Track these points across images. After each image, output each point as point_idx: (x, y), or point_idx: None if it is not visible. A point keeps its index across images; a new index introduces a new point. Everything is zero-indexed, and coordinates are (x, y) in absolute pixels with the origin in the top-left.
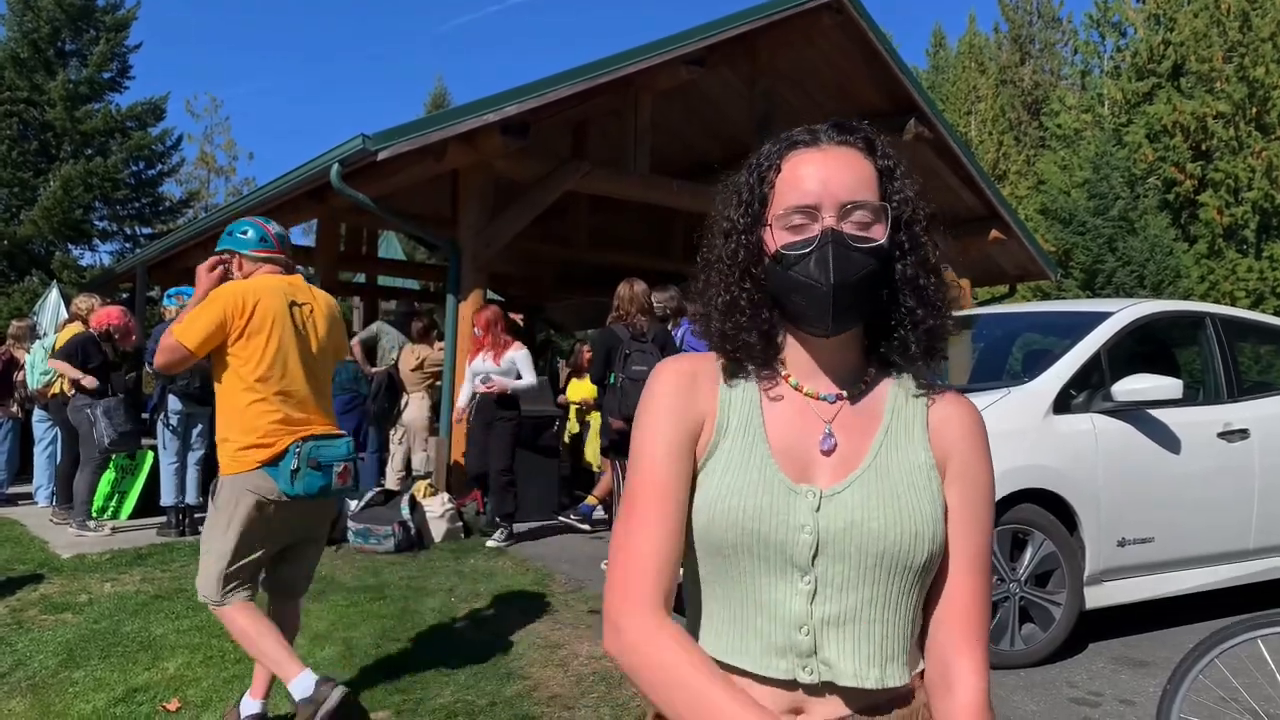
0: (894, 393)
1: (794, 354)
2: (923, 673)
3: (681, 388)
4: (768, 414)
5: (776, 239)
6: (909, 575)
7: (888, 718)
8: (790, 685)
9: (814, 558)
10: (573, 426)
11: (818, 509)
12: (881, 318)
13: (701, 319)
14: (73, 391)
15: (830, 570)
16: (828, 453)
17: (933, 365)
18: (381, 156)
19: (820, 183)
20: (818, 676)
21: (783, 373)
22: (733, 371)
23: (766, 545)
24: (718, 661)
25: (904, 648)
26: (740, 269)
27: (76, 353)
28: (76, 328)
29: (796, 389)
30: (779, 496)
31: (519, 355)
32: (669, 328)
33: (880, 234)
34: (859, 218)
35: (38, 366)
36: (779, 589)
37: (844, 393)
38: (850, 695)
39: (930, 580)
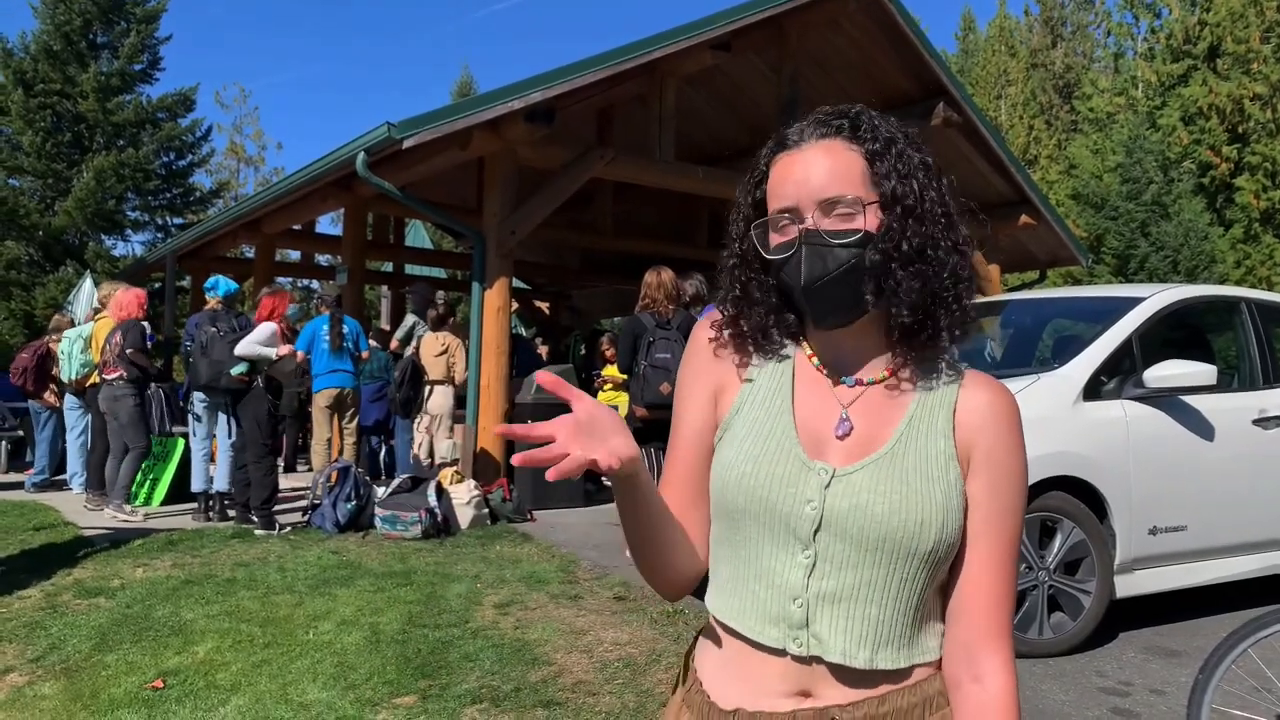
0: (922, 378)
1: (816, 338)
2: (939, 662)
3: (713, 347)
4: (799, 389)
5: (770, 242)
6: (913, 562)
7: (895, 703)
8: (781, 654)
9: (816, 533)
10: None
11: (827, 486)
12: (895, 300)
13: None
14: (114, 376)
15: (831, 547)
16: (842, 437)
17: (956, 344)
18: (407, 144)
19: (796, 185)
20: (806, 649)
21: (808, 354)
22: (770, 342)
23: (773, 514)
24: (719, 622)
25: (903, 633)
26: (751, 270)
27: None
28: (107, 316)
29: (819, 369)
30: (792, 468)
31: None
32: (692, 314)
33: (865, 223)
34: (841, 211)
35: (76, 357)
36: (779, 558)
37: (865, 378)
38: (842, 674)
39: (945, 569)
